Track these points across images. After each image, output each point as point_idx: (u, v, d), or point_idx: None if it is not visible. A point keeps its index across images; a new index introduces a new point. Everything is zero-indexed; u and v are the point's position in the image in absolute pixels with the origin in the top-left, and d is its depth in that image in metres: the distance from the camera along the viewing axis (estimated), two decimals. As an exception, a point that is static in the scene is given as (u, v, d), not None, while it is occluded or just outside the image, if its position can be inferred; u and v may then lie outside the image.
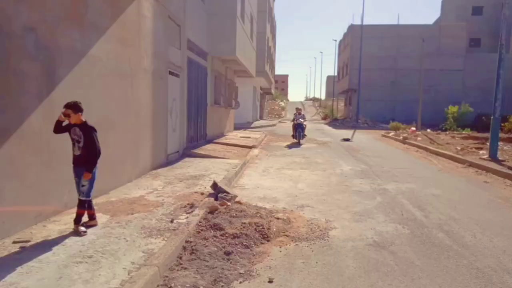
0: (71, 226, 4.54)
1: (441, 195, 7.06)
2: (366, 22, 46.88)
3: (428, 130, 21.95)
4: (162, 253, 3.74)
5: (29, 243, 3.95)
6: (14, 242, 3.95)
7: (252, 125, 29.54)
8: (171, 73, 9.71)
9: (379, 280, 3.52)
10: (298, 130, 15.74)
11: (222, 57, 15.44)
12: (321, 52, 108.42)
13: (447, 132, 20.63)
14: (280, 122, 38.66)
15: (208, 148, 12.30)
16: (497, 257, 4.09)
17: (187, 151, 11.10)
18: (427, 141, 16.46)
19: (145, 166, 8.12)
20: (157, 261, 3.56)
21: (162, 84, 9.01)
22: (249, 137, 17.55)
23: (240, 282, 3.48)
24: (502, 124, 19.51)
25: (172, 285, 3.31)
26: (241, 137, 17.69)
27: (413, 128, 21.32)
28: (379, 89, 38.71)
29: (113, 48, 6.36)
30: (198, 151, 11.36)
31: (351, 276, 3.60)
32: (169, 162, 9.56)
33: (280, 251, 4.21)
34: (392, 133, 20.98)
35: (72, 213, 5.03)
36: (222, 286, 3.39)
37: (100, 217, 4.95)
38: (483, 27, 40.22)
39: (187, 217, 5.04)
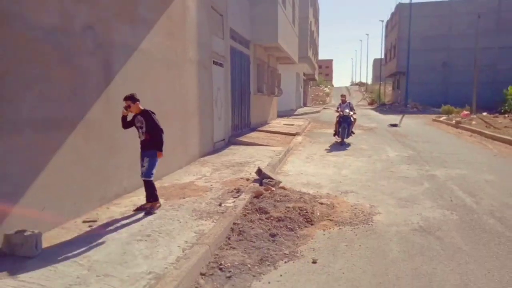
0: (130, 208, 4.98)
1: (495, 181, 6.74)
2: (415, 0, 44.34)
3: (485, 114, 20.59)
4: (212, 234, 4.01)
5: (96, 223, 4.41)
6: (84, 222, 4.43)
7: (296, 112, 29.41)
8: (215, 62, 9.99)
9: (423, 264, 3.54)
10: (343, 125, 11.25)
11: (264, 45, 15.51)
12: (367, 34, 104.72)
13: (506, 115, 19.22)
14: (324, 108, 38.10)
15: (252, 136, 12.55)
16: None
17: (232, 139, 11.42)
18: (482, 125, 15.51)
19: (194, 154, 8.51)
20: (208, 240, 3.84)
21: (207, 74, 9.32)
22: (292, 125, 17.58)
23: (285, 262, 3.66)
24: None
25: (222, 262, 3.57)
26: (284, 124, 17.77)
27: (467, 112, 20.12)
28: (430, 71, 36.73)
29: (161, 41, 6.70)
30: (243, 139, 11.64)
31: (394, 259, 3.65)
32: (215, 149, 9.93)
33: (324, 235, 4.33)
34: (443, 117, 19.96)
35: (131, 197, 5.52)
36: (268, 265, 3.60)
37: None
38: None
39: (234, 201, 5.30)
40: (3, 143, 3.58)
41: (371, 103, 49.30)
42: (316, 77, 50.69)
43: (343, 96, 12.27)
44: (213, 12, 9.74)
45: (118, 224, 4.39)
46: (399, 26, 38.31)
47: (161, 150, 4.86)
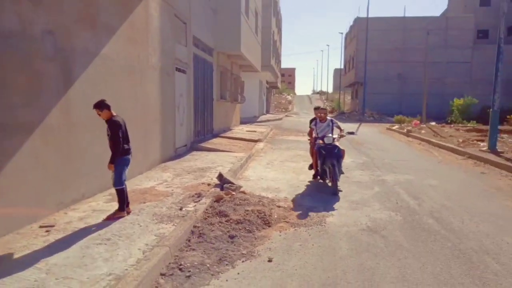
0: (89, 213, 4.98)
1: (438, 185, 7.36)
2: (372, 14, 46.98)
3: (433, 123, 22.09)
4: (172, 236, 4.14)
5: (53, 228, 4.38)
6: (41, 227, 4.39)
7: (259, 120, 29.84)
8: (178, 69, 10.08)
9: (368, 259, 3.88)
10: (330, 161, 6.50)
11: (227, 53, 15.76)
12: (328, 45, 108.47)
13: (452, 125, 20.78)
14: (286, 116, 38.92)
15: (214, 142, 12.69)
16: (480, 240, 4.42)
17: (195, 145, 11.50)
18: (431, 134, 16.67)
19: (155, 159, 8.53)
20: (168, 242, 3.96)
21: (170, 81, 9.39)
22: (255, 131, 17.90)
23: (243, 261, 3.86)
24: (508, 116, 19.64)
25: (182, 263, 3.71)
26: (247, 131, 18.05)
27: (417, 121, 21.48)
28: (386, 82, 38.72)
29: (123, 47, 6.74)
30: (205, 144, 11.76)
31: (343, 256, 3.96)
32: (177, 155, 9.97)
33: (280, 235, 4.59)
34: (396, 126, 21.18)
35: (89, 202, 5.49)
36: (226, 264, 3.78)
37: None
38: (491, 18, 39.73)
39: (195, 206, 5.44)
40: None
41: (331, 111, 50.89)
42: (279, 85, 51.70)
43: (320, 110, 7.18)
44: (176, 20, 9.86)
45: (76, 229, 4.40)
46: (357, 38, 40.15)
47: (112, 163, 4.68)
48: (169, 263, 3.72)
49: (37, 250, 3.75)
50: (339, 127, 7.15)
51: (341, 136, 7.09)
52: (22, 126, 4.34)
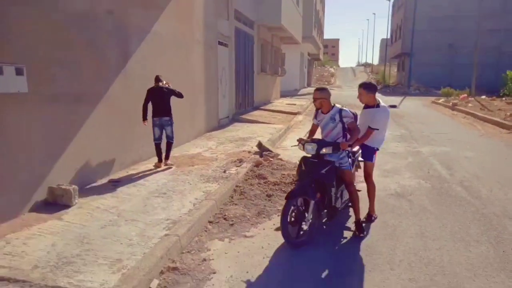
0: (146, 173, 5.75)
1: (474, 157, 7.42)
2: (424, -21, 43.79)
3: (483, 97, 21.02)
4: (218, 192, 4.77)
5: (119, 183, 5.18)
6: (110, 181, 5.20)
7: (299, 93, 29.89)
8: (220, 43, 10.56)
9: (391, 218, 4.29)
10: (302, 189, 3.68)
11: (268, 25, 15.93)
12: (374, 14, 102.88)
13: (504, 98, 19.66)
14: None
15: (255, 114, 13.22)
16: (504, 207, 4.64)
17: (236, 117, 12.10)
18: (478, 107, 16.04)
19: (200, 129, 9.23)
20: (214, 197, 4.60)
21: (213, 54, 9.91)
22: (294, 104, 18.19)
23: (278, 215, 4.41)
24: None
25: (226, 214, 4.34)
26: (286, 104, 18.38)
27: (465, 95, 20.56)
28: (435, 52, 36.70)
29: (171, 23, 7.30)
30: (246, 116, 12.32)
31: (369, 215, 4.39)
32: (220, 126, 10.63)
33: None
34: (442, 100, 20.44)
35: (145, 164, 6.27)
36: (263, 217, 4.36)
37: (169, 166, 6.12)
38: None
39: (237, 169, 6.05)
40: (44, 111, 4.30)
41: (377, 84, 49.47)
42: (321, 57, 50.71)
43: (320, 93, 3.89)
44: (219, -6, 10.23)
45: (138, 185, 5.16)
46: (405, 5, 38.07)
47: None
48: (215, 214, 4.37)
49: (109, 199, 4.54)
50: (353, 127, 3.75)
51: (349, 147, 3.78)
52: (91, 97, 5.09)
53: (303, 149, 3.79)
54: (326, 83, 53.03)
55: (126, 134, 5.93)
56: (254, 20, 14.48)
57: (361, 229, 3.86)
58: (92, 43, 5.05)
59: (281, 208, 4.57)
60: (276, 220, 4.28)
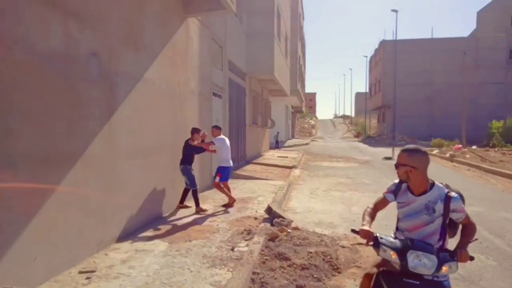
0: (131, 254, 4.42)
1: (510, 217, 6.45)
2: (398, 37, 45.98)
3: (474, 147, 20.82)
4: (235, 287, 3.48)
5: (94, 273, 3.82)
6: (80, 272, 3.83)
7: (286, 144, 29.31)
8: (214, 94, 9.70)
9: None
10: None
11: (259, 77, 15.44)
12: (351, 69, 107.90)
13: (496, 149, 19.47)
14: (312, 140, 38.21)
15: (249, 169, 12.12)
16: None
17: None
18: (476, 158, 15.54)
19: (193, 189, 7.99)
20: (231, 296, 3.31)
21: (207, 106, 8.98)
22: (286, 157, 17.27)
23: (323, 323, 3.15)
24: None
25: (250, 324, 3.04)
26: (278, 156, 17.45)
27: (459, 145, 20.31)
28: (414, 105, 37.67)
29: (165, 71, 6.37)
30: (240, 172, 11.19)
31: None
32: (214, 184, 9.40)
33: (356, 285, 3.85)
34: (436, 151, 20.04)
35: (129, 240, 4.94)
36: (303, 327, 3.08)
37: (158, 244, 4.81)
38: (524, 38, 38.50)
39: (247, 245, 4.79)
40: (-7, 183, 3.06)
41: (357, 135, 49.88)
42: (303, 109, 51.29)
43: (408, 156, 2.30)
44: (214, 43, 9.56)
45: (120, 275, 3.82)
46: (383, 61, 39.55)
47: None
48: (235, 324, 3.06)
49: (78, 305, 3.18)
50: (469, 224, 2.31)
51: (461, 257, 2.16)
52: (64, 157, 3.88)
53: (398, 256, 2.07)
54: (308, 134, 53.25)
55: (107, 202, 4.66)
56: (246, 71, 13.93)
57: None
58: (69, 91, 3.96)
59: (322, 308, 3.34)
60: (322, 332, 3.00)
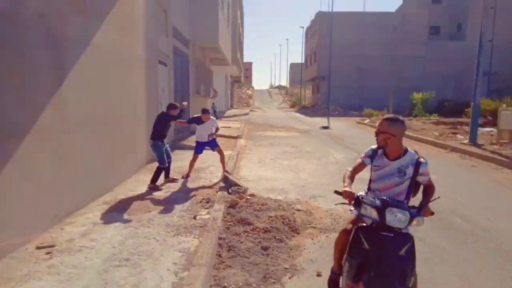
0: (89, 227, 4.31)
1: (438, 180, 7.32)
2: (334, 9, 47.25)
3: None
4: (204, 252, 3.62)
5: (54, 248, 3.69)
6: (38, 248, 3.67)
7: (226, 114, 29.28)
8: (160, 62, 9.34)
9: (421, 267, 3.63)
10: (382, 280, 2.31)
11: (203, 45, 15.07)
12: (287, 39, 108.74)
13: (417, 118, 21.54)
14: (251, 110, 38.59)
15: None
16: (517, 239, 4.35)
17: (176, 144, 10.83)
18: (402, 127, 17.06)
19: (142, 161, 7.82)
20: (203, 260, 3.44)
21: (154, 74, 8.66)
22: (229, 127, 17.36)
23: (290, 278, 3.45)
24: (467, 109, 20.64)
25: (226, 284, 3.23)
26: (221, 127, 17.43)
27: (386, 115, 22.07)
28: (347, 76, 39.52)
29: (113, 36, 5.99)
30: (187, 143, 11.10)
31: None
32: (161, 154, 9.24)
33: (314, 244, 4.22)
34: (367, 120, 21.57)
35: (84, 214, 4.79)
36: (273, 282, 3.35)
37: (117, 216, 4.73)
38: (442, 15, 41.94)
39: (209, 213, 4.93)
40: None
41: (292, 106, 51.30)
42: (242, 79, 51.23)
43: (389, 124, 2.56)
44: (158, 7, 9.09)
45: (83, 248, 3.73)
46: (319, 33, 40.56)
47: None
48: (211, 286, 3.23)
49: (45, 280, 3.09)
50: (431, 186, 2.65)
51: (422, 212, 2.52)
52: (15, 128, 3.58)
53: (378, 212, 2.33)
54: (246, 104, 53.60)
55: (59, 176, 4.42)
56: (189, 39, 13.48)
57: None
58: (18, 57, 3.59)
59: (287, 266, 3.65)
60: (291, 286, 3.31)
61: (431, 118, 22.12)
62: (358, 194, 2.48)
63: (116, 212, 4.92)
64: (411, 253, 2.34)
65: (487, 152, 9.71)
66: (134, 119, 7.13)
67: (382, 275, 2.24)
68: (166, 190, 6.12)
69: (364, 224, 2.51)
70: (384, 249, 2.30)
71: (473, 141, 11.06)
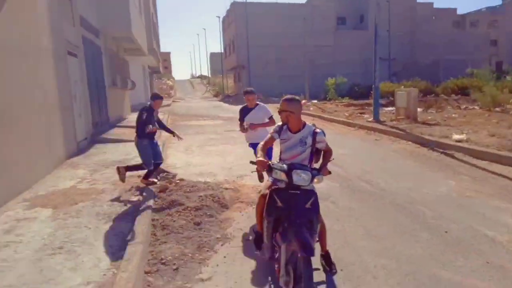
0: (14, 224, 4.16)
1: (349, 153, 8.31)
2: (247, -1, 48.03)
3: (315, 101, 24.43)
4: (139, 233, 3.79)
5: (-23, 247, 3.54)
6: (-41, 249, 3.49)
7: (146, 106, 28.29)
8: (69, 53, 8.86)
9: (333, 224, 4.26)
10: (294, 229, 2.71)
11: (115, 34, 14.44)
12: (204, 29, 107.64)
13: (331, 102, 23.36)
14: (174, 101, 37.84)
15: (116, 133, 11.66)
16: (407, 195, 5.25)
17: (95, 137, 10.40)
18: (318, 110, 18.44)
19: (59, 156, 7.45)
20: (139, 239, 3.62)
21: (63, 65, 8.20)
22: (151, 118, 17.02)
23: (222, 245, 3.81)
24: (371, 92, 23.01)
25: (162, 257, 3.46)
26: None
27: (305, 100, 23.48)
28: (266, 65, 40.81)
29: (12, 24, 5.60)
30: (107, 136, 10.75)
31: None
32: (80, 150, 8.87)
33: (242, 215, 4.63)
34: (285, 106, 22.70)
35: (4, 212, 4.57)
36: (207, 250, 3.68)
37: (41, 211, 4.60)
38: (348, 6, 45.33)
39: (139, 199, 5.03)
40: None
41: (216, 95, 51.41)
42: (161, 69, 49.68)
43: (288, 104, 3.06)
44: (64, -6, 8.57)
45: (10, 243, 3.64)
46: (236, 23, 41.07)
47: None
48: (148, 260, 3.43)
49: (-27, 276, 3.00)
50: (329, 150, 3.19)
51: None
52: None
53: (287, 175, 2.76)
54: (167, 95, 52.18)
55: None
56: (100, 28, 12.83)
57: (332, 263, 3.12)
58: None
59: (219, 236, 4.00)
60: (224, 251, 3.67)
61: (343, 101, 24.16)
62: (270, 162, 2.90)
63: (40, 207, 4.77)
64: (315, 205, 2.83)
65: (387, 127, 11.13)
66: (45, 114, 6.76)
67: (293, 225, 2.69)
68: (93, 183, 6.01)
69: (276, 187, 2.94)
70: (293, 204, 2.76)
71: (376, 119, 12.54)
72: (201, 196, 5.00)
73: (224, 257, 3.55)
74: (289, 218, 2.73)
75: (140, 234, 3.75)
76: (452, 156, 7.60)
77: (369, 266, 3.29)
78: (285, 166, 2.82)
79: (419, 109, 13.41)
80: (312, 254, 2.49)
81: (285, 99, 3.08)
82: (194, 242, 3.81)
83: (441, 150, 8.09)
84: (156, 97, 5.69)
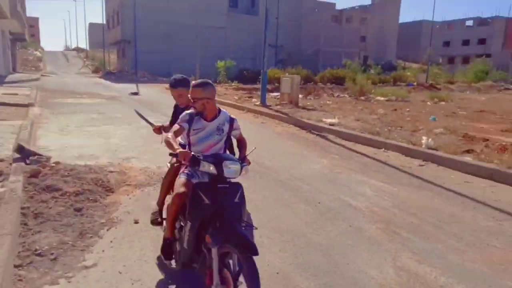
0: None
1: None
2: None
3: (205, 83, 24.35)
4: (6, 223, 3.33)
5: None
6: None
7: (7, 80, 24.30)
8: None
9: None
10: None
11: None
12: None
13: (221, 85, 23.60)
14: (43, 75, 33.23)
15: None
16: (287, 172, 5.76)
17: None
18: (208, 92, 18.47)
19: None
20: (6, 230, 3.19)
21: None
22: (16, 94, 14.75)
23: (107, 230, 3.63)
24: (259, 77, 24.04)
25: (37, 247, 3.15)
26: (4, 94, 14.62)
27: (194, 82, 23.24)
28: (154, 42, 38.80)
29: None
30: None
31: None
32: None
33: (130, 198, 4.46)
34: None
35: None
36: (91, 237, 3.47)
37: None
38: (239, -11, 45.89)
39: (3, 186, 4.40)
40: None
41: (95, 71, 46.87)
42: (27, 37, 42.92)
43: (203, 90, 2.75)
44: None
45: None
46: (120, -10, 37.88)
47: None
48: (19, 253, 3.07)
49: None
50: (243, 139, 3.08)
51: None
52: None
53: (216, 167, 2.45)
54: (35, 68, 45.42)
55: None
56: None
57: None
58: None
59: (104, 220, 3.83)
60: (109, 236, 3.52)
61: (233, 84, 24.66)
62: (193, 153, 2.49)
63: None
64: (243, 197, 2.62)
65: (272, 111, 11.86)
66: None
67: (227, 223, 2.41)
68: None
69: (199, 182, 2.65)
70: (223, 199, 2.49)
71: (263, 103, 13.22)
72: (81, 179, 4.63)
73: (111, 241, 3.40)
74: (221, 215, 2.45)
75: (7, 224, 3.30)
76: (326, 138, 8.58)
77: (255, 236, 3.55)
78: (211, 158, 2.53)
79: (300, 95, 14.59)
80: (257, 252, 2.23)
81: (198, 84, 2.70)
82: (75, 229, 3.54)
83: (317, 133, 9.05)
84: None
